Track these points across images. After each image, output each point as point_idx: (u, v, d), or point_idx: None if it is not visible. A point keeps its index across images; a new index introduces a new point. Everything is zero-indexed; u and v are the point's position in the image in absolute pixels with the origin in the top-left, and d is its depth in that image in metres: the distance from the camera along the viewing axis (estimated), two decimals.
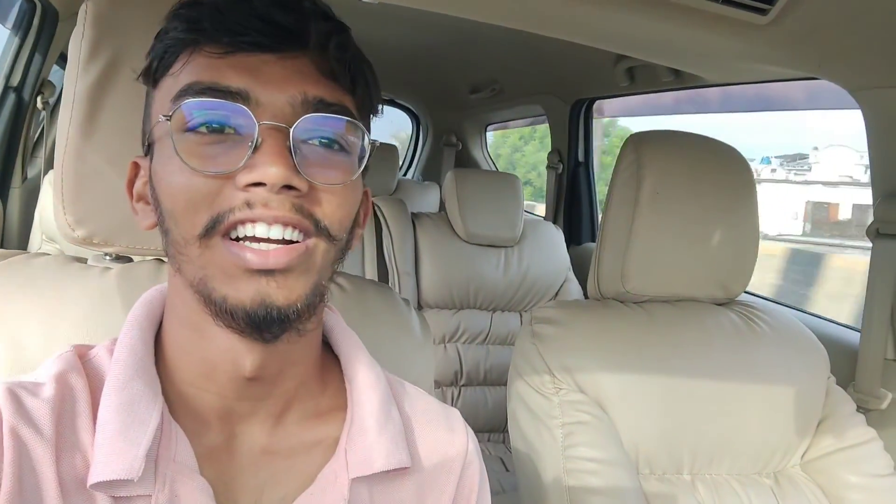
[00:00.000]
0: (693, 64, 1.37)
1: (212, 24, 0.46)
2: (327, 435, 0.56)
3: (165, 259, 0.72)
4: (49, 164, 1.86)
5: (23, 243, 1.78)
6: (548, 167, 2.59)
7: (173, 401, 0.51)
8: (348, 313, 0.64)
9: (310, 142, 0.47)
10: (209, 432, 0.52)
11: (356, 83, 0.50)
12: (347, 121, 0.49)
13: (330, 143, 0.48)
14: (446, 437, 0.61)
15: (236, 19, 0.46)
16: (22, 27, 1.71)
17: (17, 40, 1.72)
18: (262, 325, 0.46)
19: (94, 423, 0.48)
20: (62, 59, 1.96)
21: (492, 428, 1.99)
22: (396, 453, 0.55)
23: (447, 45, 2.37)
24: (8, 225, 1.80)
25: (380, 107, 0.56)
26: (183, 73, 0.47)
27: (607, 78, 1.95)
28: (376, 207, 2.02)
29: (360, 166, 0.50)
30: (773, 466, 1.03)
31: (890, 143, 1.14)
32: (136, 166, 0.54)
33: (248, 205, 0.45)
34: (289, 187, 0.45)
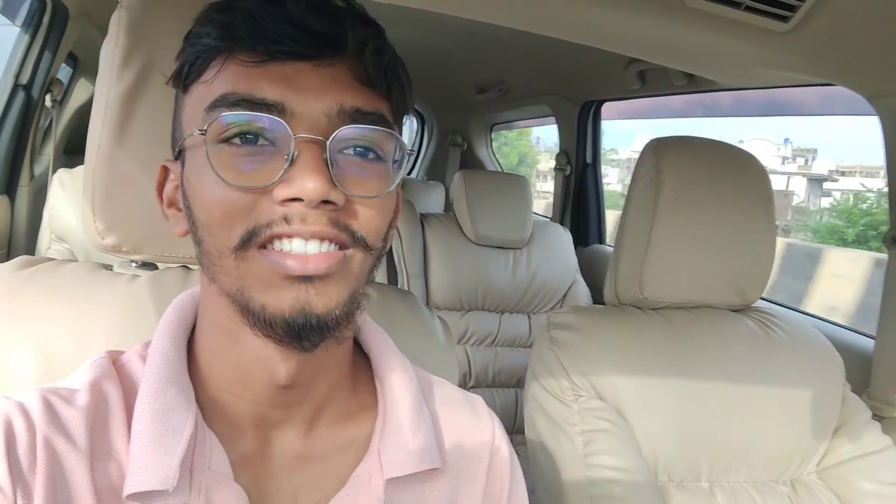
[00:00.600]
0: (708, 69, 1.37)
1: (246, 31, 0.45)
2: (359, 434, 0.56)
3: (192, 266, 0.72)
4: (57, 163, 1.85)
5: (31, 242, 1.77)
6: (555, 168, 2.58)
7: (207, 407, 0.51)
8: (374, 319, 0.64)
9: (346, 152, 0.47)
10: (243, 439, 0.51)
11: (392, 88, 0.49)
12: (384, 132, 0.48)
13: (366, 153, 0.48)
14: (473, 426, 0.61)
15: (271, 26, 0.44)
16: (32, 25, 1.70)
17: (26, 38, 1.71)
18: (302, 333, 0.45)
19: (129, 430, 0.48)
20: (71, 58, 1.95)
21: None
22: (430, 454, 0.55)
23: (454, 45, 2.36)
24: (16, 223, 1.79)
25: (413, 104, 0.56)
26: (216, 81, 0.46)
27: (618, 80, 1.95)
28: None
29: (396, 175, 0.49)
30: (790, 474, 1.03)
31: None
32: (166, 170, 0.53)
33: (286, 220, 0.44)
34: (326, 202, 0.44)
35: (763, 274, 1.08)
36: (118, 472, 0.47)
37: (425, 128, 3.77)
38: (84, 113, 2.05)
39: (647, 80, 1.84)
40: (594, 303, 2.12)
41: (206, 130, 0.45)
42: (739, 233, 1.04)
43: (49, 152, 1.93)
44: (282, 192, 0.44)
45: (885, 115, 1.15)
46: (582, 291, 2.13)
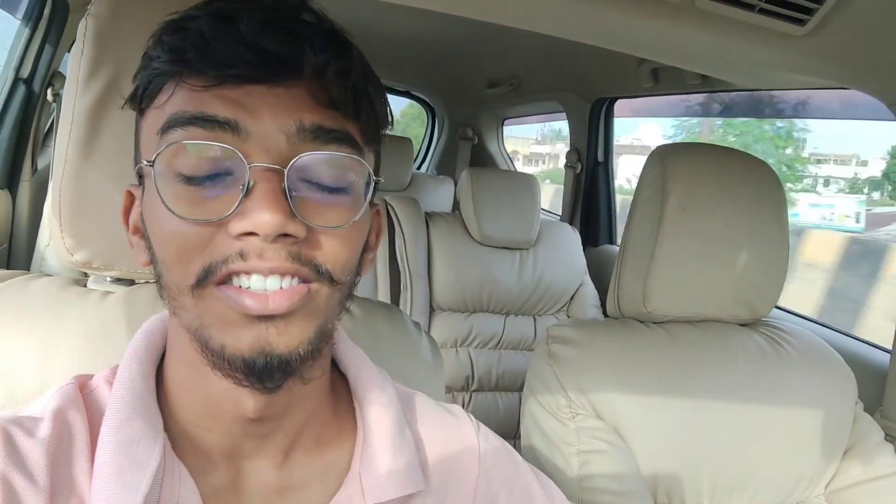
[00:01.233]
0: (722, 71, 1.32)
1: (196, 54, 0.42)
2: (339, 459, 0.53)
3: None
4: None
5: (32, 237, 1.76)
6: (566, 166, 2.53)
7: (177, 438, 0.49)
8: (357, 339, 0.61)
9: (307, 181, 0.43)
10: (215, 471, 0.49)
11: (360, 108, 0.46)
12: (349, 158, 0.44)
13: (331, 188, 0.44)
14: (456, 439, 0.59)
15: (222, 48, 0.41)
16: (32, 18, 1.67)
17: (27, 31, 1.69)
18: (263, 373, 0.42)
19: (92, 464, 0.45)
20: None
21: (503, 434, 1.93)
22: (413, 476, 0.53)
23: (466, 38, 2.32)
24: (18, 217, 1.78)
25: (389, 120, 0.52)
26: (167, 105, 0.44)
27: (630, 78, 1.90)
28: (389, 207, 1.98)
29: (364, 201, 0.46)
30: (797, 497, 0.99)
31: None
32: (131, 195, 0.51)
33: (242, 255, 0.41)
34: (285, 234, 0.41)
35: (775, 287, 1.04)
36: None
37: (436, 121, 3.73)
38: None
39: (661, 79, 1.80)
40: (602, 305, 2.07)
41: (153, 162, 0.43)
42: (749, 244, 1.00)
43: (51, 146, 1.92)
44: (236, 226, 0.41)
45: None
46: (590, 294, 2.09)
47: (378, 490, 0.51)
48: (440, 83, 3.26)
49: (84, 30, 0.59)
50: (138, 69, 0.46)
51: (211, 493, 0.48)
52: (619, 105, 2.37)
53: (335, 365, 0.58)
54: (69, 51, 1.81)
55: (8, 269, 0.86)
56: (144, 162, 0.44)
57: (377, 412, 0.54)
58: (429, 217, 2.02)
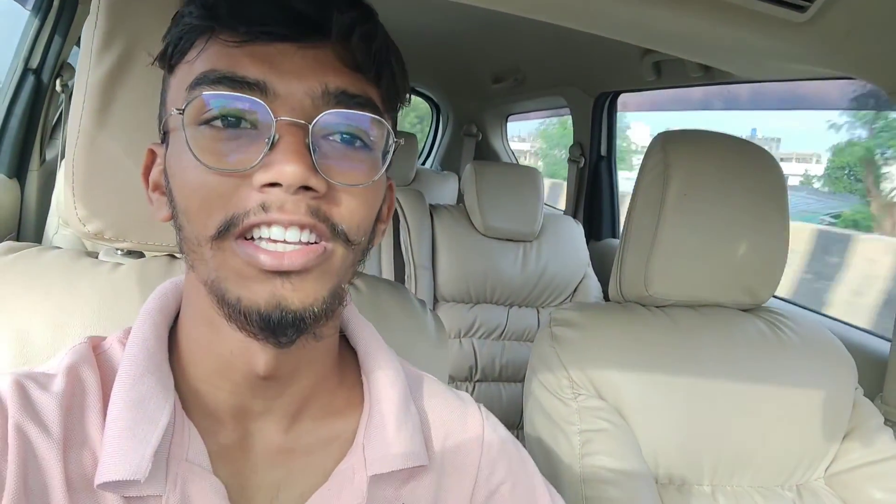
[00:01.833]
0: (724, 60, 1.32)
1: (228, 10, 0.44)
2: (344, 430, 0.54)
3: (177, 255, 0.71)
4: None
5: (40, 226, 1.78)
6: (569, 160, 2.54)
7: (187, 398, 0.50)
8: (362, 313, 0.62)
9: (330, 138, 0.45)
10: (223, 430, 0.50)
11: (381, 74, 0.47)
12: (371, 117, 0.46)
13: (352, 140, 0.46)
14: (460, 422, 0.59)
15: (254, 6, 0.43)
16: (42, 9, 1.70)
17: (36, 22, 1.71)
18: (277, 328, 0.44)
19: (104, 419, 0.47)
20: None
21: (506, 424, 1.94)
22: (415, 451, 0.54)
23: (470, 33, 2.33)
24: (26, 207, 1.80)
25: (407, 96, 0.53)
26: (198, 60, 0.45)
27: (633, 71, 1.91)
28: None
29: (383, 165, 0.47)
30: (796, 479, 1.00)
31: None
32: (153, 153, 0.52)
33: (264, 207, 0.43)
34: (306, 188, 0.43)
35: (775, 273, 1.04)
36: (92, 460, 0.46)
37: (440, 117, 3.75)
38: None
39: (663, 72, 1.80)
40: (604, 298, 2.08)
41: (183, 110, 0.44)
42: (750, 230, 1.01)
43: (60, 137, 1.94)
44: (260, 177, 0.42)
45: None
46: (593, 286, 2.10)
47: (380, 462, 0.52)
48: (445, 79, 3.28)
49: (98, 2, 0.61)
50: (169, 27, 0.48)
51: (218, 451, 0.49)
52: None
53: (345, 339, 0.59)
54: (78, 42, 1.83)
55: None
56: (174, 110, 0.45)
57: (384, 386, 0.56)
58: (433, 209, 2.04)
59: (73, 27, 1.75)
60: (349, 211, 0.45)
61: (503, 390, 1.98)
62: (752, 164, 1.03)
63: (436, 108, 3.76)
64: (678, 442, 0.94)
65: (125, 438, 0.45)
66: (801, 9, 0.95)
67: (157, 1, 0.58)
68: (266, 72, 0.43)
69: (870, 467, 0.99)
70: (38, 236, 1.76)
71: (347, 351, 0.59)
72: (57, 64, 1.76)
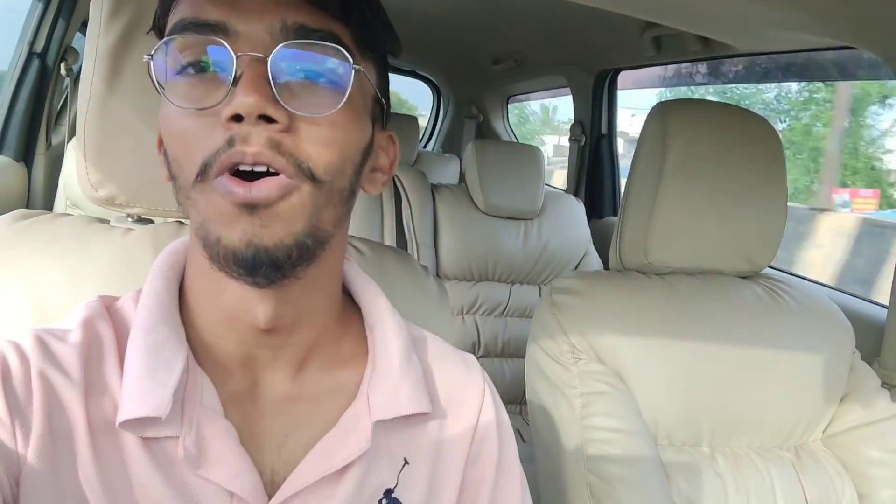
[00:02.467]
0: (724, 32, 1.33)
1: None
2: (349, 380, 0.56)
3: (186, 221, 0.73)
4: (73, 132, 1.87)
5: (48, 208, 1.80)
6: (570, 139, 2.55)
7: (197, 349, 0.52)
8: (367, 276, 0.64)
9: (294, 73, 0.46)
10: (232, 379, 0.52)
11: (349, 10, 0.48)
12: (330, 46, 0.46)
13: (315, 75, 0.46)
14: (463, 380, 0.61)
15: None
16: None
17: (40, 6, 1.72)
18: (253, 266, 0.45)
19: (121, 366, 0.49)
20: (85, 26, 1.96)
21: (509, 400, 1.99)
22: (417, 398, 0.55)
23: (469, 14, 2.33)
24: (33, 190, 1.82)
25: (395, 44, 0.54)
26: (172, 14, 0.48)
27: (633, 47, 1.91)
28: (396, 178, 2.01)
29: (346, 92, 0.47)
30: (794, 440, 1.02)
31: None
32: None
33: (230, 143, 0.44)
34: (267, 119, 0.44)
35: (773, 240, 1.06)
36: (111, 405, 0.48)
37: (441, 100, 3.75)
38: None
39: (663, 47, 1.81)
40: None
41: (152, 56, 0.46)
42: (748, 198, 1.02)
43: (66, 122, 1.96)
44: (224, 112, 0.44)
45: None
46: (594, 263, 2.12)
47: (383, 408, 0.54)
48: (445, 61, 3.28)
49: None
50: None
51: (229, 398, 0.51)
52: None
53: (350, 298, 0.61)
54: (81, 26, 1.84)
55: None
56: (145, 56, 0.47)
57: (387, 338, 0.57)
58: (435, 188, 2.06)
59: (77, 11, 1.76)
60: (315, 147, 0.46)
61: (506, 366, 2.00)
62: (751, 132, 1.04)
63: (436, 90, 3.77)
64: (677, 404, 0.96)
65: (145, 380, 0.47)
66: None
67: None
68: (226, 13, 0.45)
69: (867, 428, 1.01)
70: None
71: (352, 307, 0.60)
72: (61, 48, 1.77)
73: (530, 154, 2.13)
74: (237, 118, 0.44)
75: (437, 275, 1.97)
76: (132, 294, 0.55)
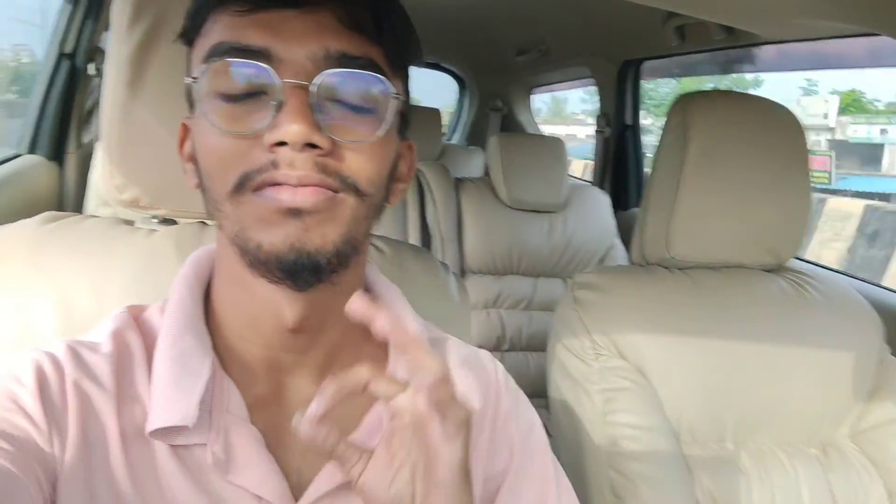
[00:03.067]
0: (750, 21, 1.31)
1: None
2: None
3: (209, 222, 0.74)
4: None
5: (79, 206, 1.84)
6: (596, 131, 2.53)
7: (223, 355, 0.54)
8: (386, 275, 0.64)
9: (334, 99, 0.47)
10: (258, 383, 0.54)
11: (383, 33, 0.49)
12: (370, 75, 0.48)
13: (355, 100, 0.48)
14: (480, 378, 0.62)
15: None
16: None
17: (69, 7, 1.75)
18: (294, 270, 0.47)
19: (150, 375, 0.51)
20: None
21: (534, 393, 1.96)
22: None
23: (493, 5, 2.33)
24: (65, 188, 1.86)
25: (419, 54, 0.55)
26: (211, 33, 0.49)
27: (656, 37, 1.88)
28: (419, 173, 2.01)
29: (386, 120, 0.49)
30: (821, 437, 1.01)
31: None
32: (186, 128, 0.56)
33: (274, 165, 0.46)
34: (312, 146, 0.45)
35: (797, 232, 1.04)
36: (142, 413, 0.50)
37: (465, 92, 3.74)
38: None
39: (686, 36, 1.78)
40: None
41: (196, 78, 0.47)
42: (771, 190, 1.01)
43: (95, 120, 1.99)
44: (269, 137, 0.45)
45: None
46: (620, 255, 2.10)
47: None
48: (469, 53, 3.27)
49: None
50: (189, 5, 0.51)
51: (255, 403, 0.53)
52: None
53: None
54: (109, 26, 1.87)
55: None
56: (189, 79, 0.49)
57: None
58: (458, 183, 2.06)
59: (105, 11, 1.78)
60: (357, 165, 0.48)
61: (531, 360, 2.00)
62: (773, 123, 1.03)
63: (460, 83, 3.76)
64: (701, 400, 0.96)
65: (172, 389, 0.49)
66: None
67: None
68: (269, 39, 0.46)
69: None
70: None
71: None
72: (89, 48, 1.81)
73: (553, 146, 2.12)
74: (281, 143, 0.45)
75: (462, 269, 1.97)
76: (158, 304, 0.57)
